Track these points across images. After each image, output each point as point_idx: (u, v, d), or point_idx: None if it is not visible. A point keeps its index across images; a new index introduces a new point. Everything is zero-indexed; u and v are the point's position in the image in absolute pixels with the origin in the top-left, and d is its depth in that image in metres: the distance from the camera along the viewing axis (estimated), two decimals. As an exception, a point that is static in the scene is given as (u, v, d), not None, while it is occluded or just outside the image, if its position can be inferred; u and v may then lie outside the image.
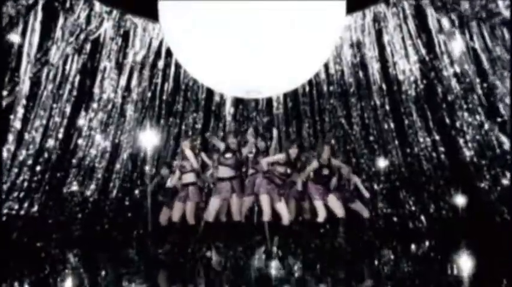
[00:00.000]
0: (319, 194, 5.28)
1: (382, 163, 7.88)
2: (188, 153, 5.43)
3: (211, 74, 5.07)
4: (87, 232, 7.11)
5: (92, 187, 7.48)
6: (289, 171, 5.23)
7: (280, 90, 5.96)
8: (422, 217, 7.41)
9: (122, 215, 7.88)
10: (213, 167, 5.53)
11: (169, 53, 7.99)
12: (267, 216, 5.07)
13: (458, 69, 6.32)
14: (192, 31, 4.30)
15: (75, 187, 7.28)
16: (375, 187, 7.92)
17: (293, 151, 5.09)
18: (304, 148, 6.94)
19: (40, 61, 6.47)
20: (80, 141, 7.31)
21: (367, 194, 6.09)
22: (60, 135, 6.98)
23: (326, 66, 8.08)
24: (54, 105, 6.87)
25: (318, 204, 5.28)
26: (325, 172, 5.31)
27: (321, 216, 5.25)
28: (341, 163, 5.74)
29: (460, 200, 7.01)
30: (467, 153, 6.44)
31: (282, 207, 5.07)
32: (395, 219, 7.74)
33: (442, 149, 6.99)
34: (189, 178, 5.48)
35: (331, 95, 8.18)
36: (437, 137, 7.05)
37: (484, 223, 6.53)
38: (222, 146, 5.28)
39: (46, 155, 6.73)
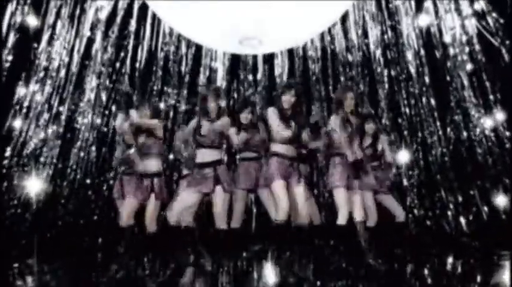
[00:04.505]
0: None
1: (414, 151, 6.15)
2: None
3: (194, 19, 4.08)
4: (37, 239, 5.28)
5: (38, 181, 5.71)
6: None
7: (284, 41, 4.70)
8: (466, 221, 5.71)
9: (83, 216, 6.16)
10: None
11: (144, 8, 6.25)
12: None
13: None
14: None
15: (15, 181, 5.54)
16: (405, 182, 6.21)
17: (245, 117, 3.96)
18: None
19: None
20: (17, 122, 5.52)
21: (391, 159, 4.54)
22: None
23: (344, 21, 6.29)
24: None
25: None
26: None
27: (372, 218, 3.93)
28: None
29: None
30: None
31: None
32: (429, 223, 6.03)
33: (506, 132, 5.23)
34: (154, 164, 3.92)
35: (351, 63, 6.41)
36: (499, 116, 5.28)
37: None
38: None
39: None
